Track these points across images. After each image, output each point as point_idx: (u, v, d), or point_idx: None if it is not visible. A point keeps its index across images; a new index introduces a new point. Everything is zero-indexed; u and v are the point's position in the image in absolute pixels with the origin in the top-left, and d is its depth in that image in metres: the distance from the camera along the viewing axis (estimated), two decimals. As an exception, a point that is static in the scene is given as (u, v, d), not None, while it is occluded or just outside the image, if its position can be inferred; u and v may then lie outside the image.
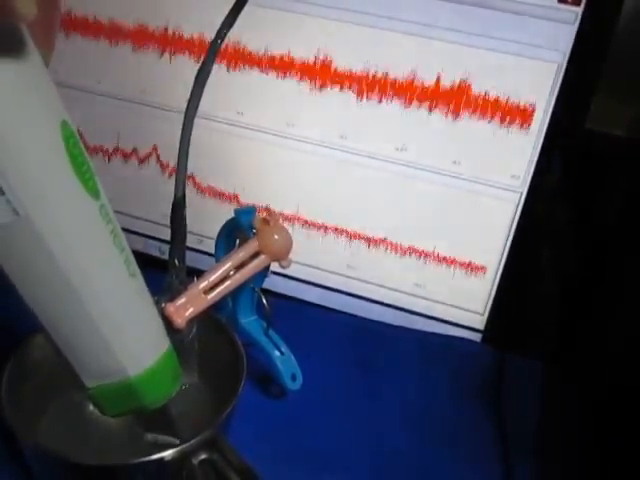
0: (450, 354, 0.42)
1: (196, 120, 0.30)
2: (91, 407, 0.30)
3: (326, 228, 0.44)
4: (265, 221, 0.33)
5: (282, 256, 0.33)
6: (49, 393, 0.31)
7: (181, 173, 0.31)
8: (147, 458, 0.24)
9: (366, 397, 0.37)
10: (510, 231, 0.41)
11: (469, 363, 0.41)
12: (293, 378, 0.35)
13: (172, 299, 0.30)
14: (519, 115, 0.39)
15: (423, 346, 0.42)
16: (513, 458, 0.33)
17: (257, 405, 0.35)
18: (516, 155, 0.40)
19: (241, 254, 0.32)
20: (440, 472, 0.33)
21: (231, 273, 0.32)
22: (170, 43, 0.44)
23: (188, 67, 0.44)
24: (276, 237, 0.33)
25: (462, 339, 0.43)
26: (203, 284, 0.31)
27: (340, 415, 0.36)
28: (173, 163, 0.45)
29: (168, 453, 0.25)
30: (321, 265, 0.45)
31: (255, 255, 0.33)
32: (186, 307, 0.31)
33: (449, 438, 0.35)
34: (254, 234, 0.33)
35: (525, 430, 0.36)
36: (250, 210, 0.34)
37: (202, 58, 0.29)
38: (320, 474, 0.31)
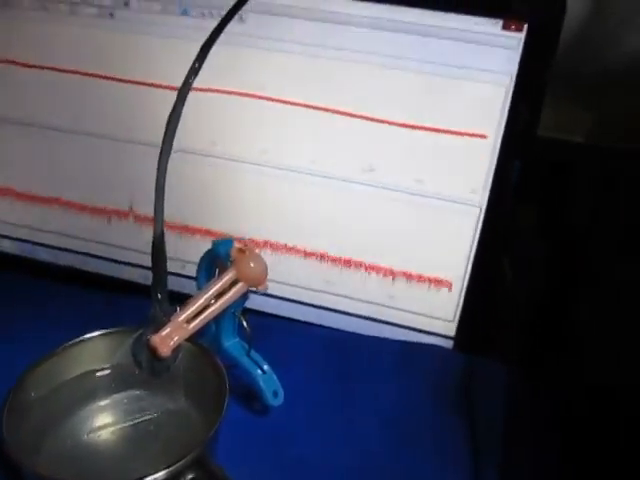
0: (423, 360, 0.44)
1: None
2: (85, 436, 0.33)
3: (297, 250, 0.46)
4: (241, 251, 0.35)
5: (259, 282, 0.36)
6: (45, 427, 0.33)
7: (159, 211, 0.33)
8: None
9: (344, 405, 0.40)
10: (473, 243, 0.44)
11: (441, 368, 0.44)
12: (275, 394, 0.37)
13: (156, 330, 0.33)
14: (473, 136, 0.42)
15: (397, 354, 0.44)
16: (482, 458, 0.36)
17: (242, 421, 0.37)
18: (474, 169, 0.43)
19: (220, 283, 0.34)
20: (414, 472, 0.36)
21: (212, 302, 0.34)
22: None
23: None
24: (252, 265, 0.35)
25: (434, 346, 0.45)
26: (185, 314, 0.33)
27: (321, 424, 0.38)
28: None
29: (160, 474, 0.27)
30: (298, 282, 0.47)
31: (234, 283, 0.35)
32: (170, 337, 0.33)
33: (423, 440, 0.38)
34: (231, 263, 0.35)
35: (493, 431, 0.38)
36: (227, 241, 0.36)
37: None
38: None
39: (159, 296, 0.33)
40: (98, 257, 0.51)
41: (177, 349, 0.33)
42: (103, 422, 0.33)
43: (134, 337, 0.33)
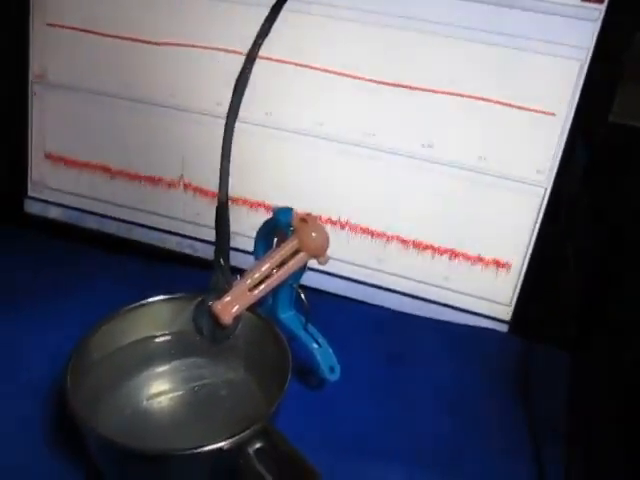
0: (478, 344, 0.43)
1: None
2: (144, 401, 0.32)
3: (356, 227, 0.45)
4: (303, 220, 0.34)
5: (320, 253, 0.35)
6: (103, 391, 0.32)
7: (224, 177, 0.32)
8: (206, 447, 0.26)
9: (400, 385, 0.39)
10: (536, 225, 0.42)
11: (497, 352, 0.42)
12: (331, 370, 0.36)
13: (219, 297, 0.32)
14: (542, 113, 0.40)
15: (452, 336, 0.43)
16: (542, 442, 0.35)
17: (296, 396, 0.36)
18: (540, 149, 0.41)
19: (282, 252, 0.34)
20: (472, 455, 0.35)
21: (273, 271, 0.33)
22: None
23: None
24: (314, 235, 0.34)
25: (490, 330, 0.44)
26: (248, 282, 0.33)
27: (376, 404, 0.37)
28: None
29: (225, 443, 0.26)
30: (351, 260, 0.46)
31: (295, 253, 0.34)
32: (232, 304, 0.32)
33: (480, 423, 0.37)
34: (292, 233, 0.34)
35: (553, 415, 0.37)
36: (288, 210, 0.35)
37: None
38: (363, 459, 0.33)
39: (221, 262, 0.32)
40: (145, 226, 0.50)
41: (238, 317, 0.33)
42: (162, 388, 0.32)
43: (195, 303, 0.32)
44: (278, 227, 0.35)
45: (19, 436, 0.32)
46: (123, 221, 0.51)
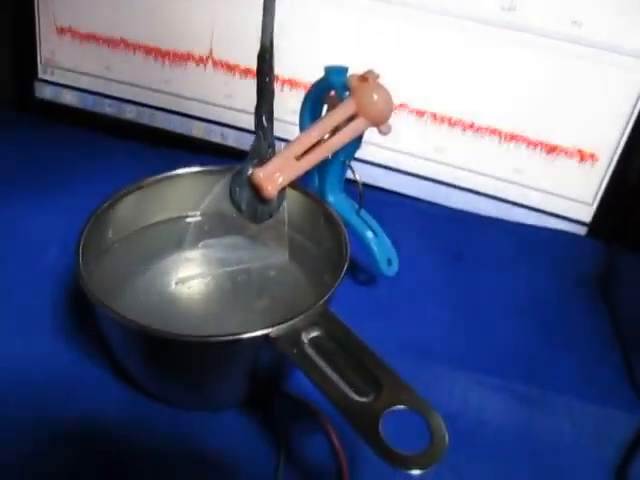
0: (552, 247, 0.37)
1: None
2: (173, 285, 0.27)
3: (413, 110, 0.39)
4: (363, 79, 0.28)
5: (381, 120, 0.28)
6: (125, 275, 0.27)
7: (268, 17, 0.26)
8: (257, 332, 0.21)
9: (463, 286, 0.34)
10: (632, 112, 0.35)
11: (573, 256, 0.37)
12: (389, 262, 0.31)
13: (260, 164, 0.27)
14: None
15: (521, 237, 0.38)
16: (630, 348, 0.30)
17: (348, 292, 0.31)
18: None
19: (336, 116, 0.27)
20: (550, 361, 0.30)
21: (325, 137, 0.28)
22: None
23: None
24: (375, 97, 0.28)
25: (565, 232, 0.38)
26: (295, 148, 0.27)
27: (438, 304, 0.32)
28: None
29: (274, 329, 0.21)
30: (408, 150, 0.40)
31: (351, 119, 0.28)
32: (276, 174, 0.27)
33: (555, 326, 0.32)
34: (349, 94, 0.28)
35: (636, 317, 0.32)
36: (342, 68, 0.29)
37: None
38: (426, 363, 0.28)
39: (264, 121, 0.26)
40: (169, 111, 0.45)
41: (283, 190, 0.27)
42: (193, 272, 0.27)
43: (233, 174, 0.27)
44: (330, 88, 0.29)
45: (33, 325, 0.29)
46: (144, 105, 0.45)
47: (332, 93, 0.30)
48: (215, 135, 0.44)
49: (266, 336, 0.21)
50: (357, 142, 0.30)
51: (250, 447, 0.24)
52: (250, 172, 0.26)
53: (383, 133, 0.29)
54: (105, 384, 0.26)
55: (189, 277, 0.27)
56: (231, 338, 0.21)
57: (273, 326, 0.21)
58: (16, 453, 0.23)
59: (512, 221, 0.39)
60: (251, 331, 0.21)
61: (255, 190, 0.26)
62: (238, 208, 0.27)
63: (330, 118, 0.28)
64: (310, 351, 0.21)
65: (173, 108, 0.44)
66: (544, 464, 0.25)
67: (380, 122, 0.29)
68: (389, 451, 0.18)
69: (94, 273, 0.25)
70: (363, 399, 0.19)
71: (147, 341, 0.22)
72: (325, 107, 0.30)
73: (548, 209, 0.39)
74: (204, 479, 0.23)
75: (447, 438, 0.18)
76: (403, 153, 0.40)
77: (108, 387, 0.26)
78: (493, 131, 0.38)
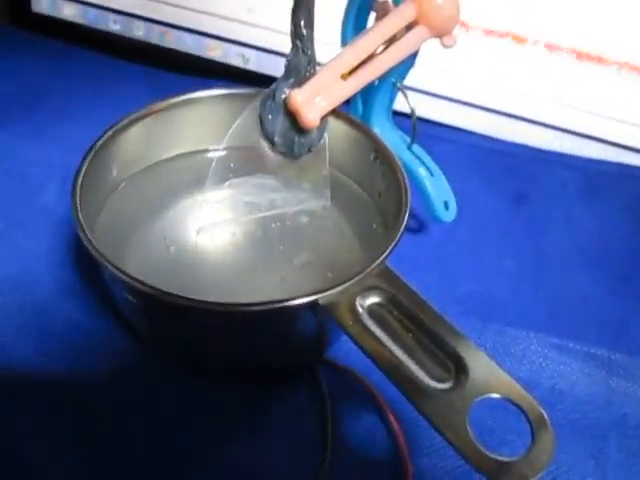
0: (628, 186, 0.32)
1: None
2: (194, 235, 0.23)
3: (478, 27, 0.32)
4: (424, -24, 0.22)
5: (447, 29, 0.23)
6: (135, 221, 0.23)
7: None
8: (303, 299, 0.16)
9: (528, 233, 0.29)
10: None
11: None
12: (446, 206, 0.26)
13: (298, 85, 0.21)
14: None
15: (592, 177, 0.32)
16: None
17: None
18: None
19: (393, 22, 0.22)
20: (626, 317, 0.26)
21: (377, 51, 0.22)
22: None
23: None
24: (439, 2, 0.22)
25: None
26: (341, 65, 0.22)
27: (500, 254, 0.28)
28: None
29: (324, 295, 0.17)
30: (466, 76, 0.34)
31: (409, 27, 0.22)
32: (318, 97, 0.22)
33: (632, 280, 0.28)
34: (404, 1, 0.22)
35: None
36: (397, -36, 0.23)
37: None
38: (486, 321, 0.24)
39: (302, 28, 0.21)
40: (181, 28, 0.39)
41: (326, 118, 0.22)
42: (217, 218, 0.23)
43: (264, 97, 0.22)
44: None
45: (30, 274, 0.25)
46: (153, 21, 0.39)
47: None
48: (234, 57, 0.38)
49: (314, 303, 0.17)
50: (411, 59, 0.24)
51: (292, 431, 0.20)
52: (286, 95, 0.21)
53: (447, 46, 0.23)
54: (115, 343, 0.22)
55: (212, 224, 0.23)
56: (271, 307, 0.16)
57: (323, 291, 0.17)
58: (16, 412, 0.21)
59: (583, 157, 0.33)
60: (295, 298, 0.16)
61: (292, 117, 0.21)
62: (270, 140, 0.22)
63: (384, 26, 0.22)
64: (369, 323, 0.17)
65: (186, 25, 0.39)
66: (634, 440, 0.22)
67: (445, 32, 0.23)
68: (483, 457, 0.14)
69: (97, 220, 0.21)
70: (442, 385, 0.15)
71: (165, 308, 0.18)
72: (372, 16, 0.25)
73: (625, 142, 0.33)
74: (248, 458, 0.20)
75: (554, 438, 0.14)
76: (463, 82, 0.34)
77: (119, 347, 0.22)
78: (569, 51, 0.32)
